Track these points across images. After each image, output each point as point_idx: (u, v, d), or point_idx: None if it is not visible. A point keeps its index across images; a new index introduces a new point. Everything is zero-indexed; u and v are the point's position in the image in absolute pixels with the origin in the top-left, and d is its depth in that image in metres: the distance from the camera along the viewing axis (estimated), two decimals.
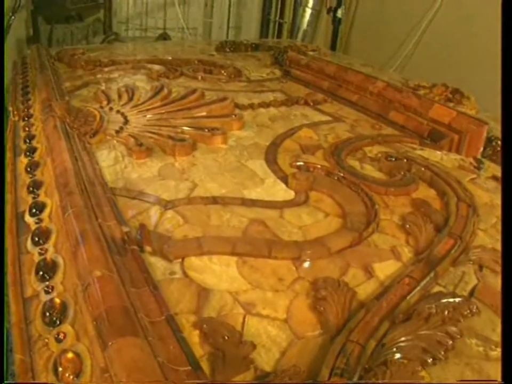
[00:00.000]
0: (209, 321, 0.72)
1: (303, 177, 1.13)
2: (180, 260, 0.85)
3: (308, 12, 4.13)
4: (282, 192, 1.11)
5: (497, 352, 0.70)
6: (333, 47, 3.82)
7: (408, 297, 0.77)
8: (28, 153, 1.26)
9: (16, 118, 1.56)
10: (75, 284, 0.76)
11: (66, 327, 0.71)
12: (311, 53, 2.48)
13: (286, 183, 1.14)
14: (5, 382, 0.78)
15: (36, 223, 0.97)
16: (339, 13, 3.73)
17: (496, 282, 0.85)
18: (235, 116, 1.53)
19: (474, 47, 2.76)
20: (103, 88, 1.83)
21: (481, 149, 1.39)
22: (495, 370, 0.67)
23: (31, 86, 1.83)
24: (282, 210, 1.04)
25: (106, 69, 2.16)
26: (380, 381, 0.62)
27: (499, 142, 1.36)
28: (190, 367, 0.61)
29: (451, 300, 0.77)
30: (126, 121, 1.42)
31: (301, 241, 0.93)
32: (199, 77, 2.09)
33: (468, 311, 0.76)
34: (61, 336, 0.70)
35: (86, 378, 0.63)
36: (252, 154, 1.30)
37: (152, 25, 5.05)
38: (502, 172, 1.19)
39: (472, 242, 0.95)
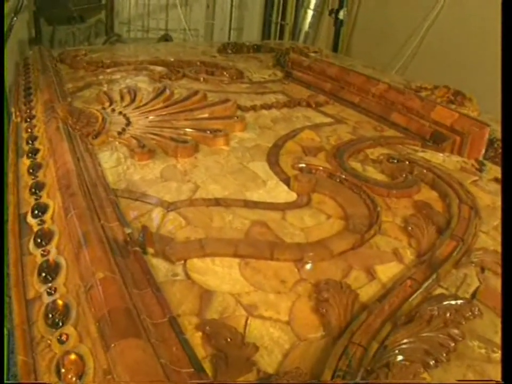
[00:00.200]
0: (212, 323, 0.72)
1: (305, 179, 1.13)
2: (182, 261, 0.86)
3: (310, 13, 4.13)
4: (284, 194, 1.11)
5: (499, 355, 0.70)
6: (335, 48, 3.82)
7: (410, 299, 0.77)
8: (30, 155, 1.26)
9: (19, 119, 1.56)
10: (78, 285, 0.76)
11: (69, 329, 0.71)
12: (313, 54, 2.48)
13: (288, 185, 1.14)
14: (6, 382, 0.78)
15: (39, 224, 0.97)
16: (341, 14, 3.73)
17: (498, 284, 0.85)
18: (237, 117, 1.53)
19: (476, 49, 2.76)
20: (105, 89, 1.84)
21: (483, 151, 1.39)
22: (497, 373, 0.67)
23: (33, 87, 1.83)
24: (285, 212, 1.04)
25: (108, 70, 2.17)
26: (380, 380, 0.62)
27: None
28: (192, 369, 0.61)
29: (453, 302, 0.77)
30: (128, 123, 1.43)
31: (303, 243, 0.93)
32: (201, 79, 2.09)
33: (470, 313, 0.76)
34: (64, 337, 0.70)
35: (88, 380, 0.63)
36: (254, 156, 1.30)
37: (154, 27, 5.05)
38: (502, 173, 1.19)
39: (474, 244, 0.95)
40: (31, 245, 0.92)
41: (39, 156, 1.25)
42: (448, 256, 0.88)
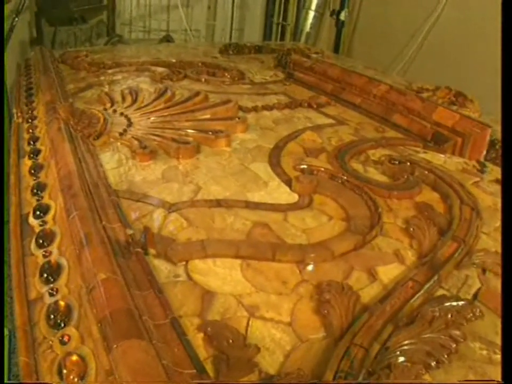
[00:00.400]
0: (214, 324, 0.72)
1: (307, 180, 1.13)
2: (184, 262, 0.86)
3: (311, 14, 4.13)
4: (286, 195, 1.11)
5: (500, 356, 0.70)
6: (336, 49, 3.83)
7: (411, 301, 0.77)
8: (31, 155, 1.27)
9: (20, 120, 1.56)
10: (79, 286, 0.76)
11: (71, 330, 0.71)
12: (314, 55, 2.48)
13: (290, 186, 1.14)
14: (6, 382, 0.79)
15: (40, 225, 0.97)
16: (342, 15, 3.74)
17: (499, 285, 0.85)
18: (239, 118, 1.53)
19: (477, 50, 2.76)
20: (106, 90, 1.84)
21: (485, 152, 1.39)
22: (498, 374, 0.67)
23: (34, 88, 1.83)
24: (286, 213, 1.04)
25: (109, 71, 2.17)
26: (382, 381, 0.62)
27: None
28: (194, 370, 0.62)
29: (454, 303, 0.77)
30: (130, 124, 1.43)
31: (304, 244, 0.93)
32: (203, 79, 2.10)
33: (471, 314, 0.76)
34: (66, 338, 0.70)
35: (90, 381, 0.63)
36: (255, 157, 1.30)
37: (155, 27, 5.05)
38: (502, 174, 1.20)
39: (476, 245, 0.95)
40: (33, 245, 0.92)
41: (40, 156, 1.25)
42: (450, 257, 0.88)
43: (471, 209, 1.05)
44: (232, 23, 4.88)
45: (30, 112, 1.59)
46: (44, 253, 0.88)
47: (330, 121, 1.64)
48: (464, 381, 0.66)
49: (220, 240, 0.92)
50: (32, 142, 1.35)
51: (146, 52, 2.66)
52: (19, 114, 1.59)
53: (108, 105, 1.60)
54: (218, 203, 1.06)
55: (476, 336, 0.73)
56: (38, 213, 1.01)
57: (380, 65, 2.81)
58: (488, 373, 0.68)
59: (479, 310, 0.77)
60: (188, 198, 1.08)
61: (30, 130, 1.44)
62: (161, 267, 0.84)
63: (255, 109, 1.70)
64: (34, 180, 1.15)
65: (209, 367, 0.64)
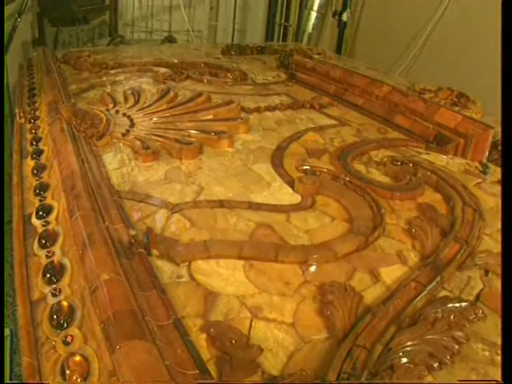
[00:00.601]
0: (216, 325, 0.72)
1: (310, 181, 1.13)
2: (187, 263, 0.86)
3: (313, 15, 4.13)
4: (288, 196, 1.11)
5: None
6: (338, 50, 3.82)
7: (414, 302, 0.77)
8: (34, 156, 1.27)
9: (23, 120, 1.56)
10: (82, 286, 0.76)
11: (74, 330, 0.71)
12: (316, 56, 2.49)
13: (292, 187, 1.14)
14: (6, 382, 0.79)
15: (43, 225, 0.97)
16: (344, 16, 3.73)
17: None
18: (241, 119, 1.53)
19: (479, 51, 2.76)
20: (109, 90, 1.84)
21: (487, 153, 1.39)
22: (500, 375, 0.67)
23: (37, 88, 1.84)
24: (289, 214, 1.04)
25: (112, 72, 2.17)
26: (384, 382, 0.62)
27: None
28: (197, 371, 0.62)
29: (457, 304, 0.77)
30: (132, 124, 1.43)
31: (307, 245, 0.93)
32: (205, 80, 2.10)
33: (474, 315, 0.76)
34: (69, 339, 0.70)
35: (93, 381, 0.63)
36: (258, 158, 1.30)
37: (157, 28, 5.05)
38: (502, 174, 1.20)
39: (478, 247, 0.95)
40: (36, 246, 0.92)
41: (43, 157, 1.26)
42: (452, 258, 0.88)
43: (473, 210, 1.05)
44: (234, 24, 4.88)
45: (32, 112, 1.59)
46: (46, 253, 0.88)
47: (333, 122, 1.64)
48: (464, 380, 0.66)
49: (223, 241, 0.92)
50: (34, 143, 1.35)
51: (149, 53, 2.66)
52: (21, 114, 1.60)
53: (111, 105, 1.60)
54: (221, 204, 1.06)
55: (478, 338, 0.73)
56: (40, 213, 1.01)
57: (382, 66, 2.81)
58: (491, 374, 0.68)
59: (481, 311, 0.77)
60: (190, 198, 1.08)
61: (33, 131, 1.44)
62: (164, 268, 0.84)
63: (257, 109, 1.70)
64: (37, 180, 1.15)
65: (212, 368, 0.64)
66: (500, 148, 1.37)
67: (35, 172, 1.18)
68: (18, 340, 0.74)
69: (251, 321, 0.74)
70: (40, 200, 1.06)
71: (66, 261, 0.85)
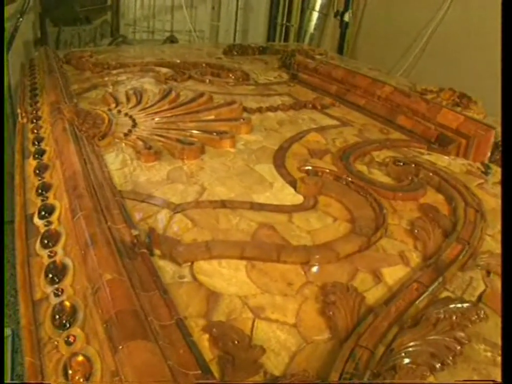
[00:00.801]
0: (219, 325, 0.72)
1: (312, 181, 1.13)
2: (189, 263, 0.86)
3: (315, 15, 4.13)
4: (290, 197, 1.11)
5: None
6: (340, 50, 3.82)
7: (416, 302, 0.77)
8: (36, 156, 1.27)
9: (25, 120, 1.56)
10: (85, 287, 0.76)
11: (76, 330, 0.71)
12: (318, 56, 2.48)
13: (295, 187, 1.14)
14: (6, 382, 0.79)
15: (45, 225, 0.97)
16: (346, 16, 3.73)
17: None
18: (243, 119, 1.53)
19: (481, 51, 2.76)
20: (111, 90, 1.84)
21: (489, 153, 1.39)
22: None
23: (39, 88, 1.84)
24: (291, 214, 1.04)
25: (114, 72, 2.17)
26: (387, 383, 0.62)
27: None
28: (199, 371, 0.62)
29: (459, 305, 0.77)
30: (134, 124, 1.43)
31: (309, 245, 0.93)
32: (207, 80, 2.10)
33: (476, 316, 0.76)
34: (71, 339, 0.70)
35: (96, 382, 0.63)
36: (260, 158, 1.30)
37: (159, 28, 5.05)
38: (502, 175, 1.20)
39: (480, 247, 0.95)
40: (38, 246, 0.92)
41: (45, 157, 1.26)
42: (454, 259, 0.88)
43: (475, 211, 1.05)
44: (236, 24, 4.88)
45: (34, 112, 1.59)
46: (49, 253, 0.89)
47: (335, 122, 1.64)
48: (463, 380, 0.66)
49: (225, 241, 0.92)
50: (37, 143, 1.35)
51: (151, 53, 2.66)
52: (23, 114, 1.60)
53: (113, 105, 1.60)
54: (223, 204, 1.06)
55: (480, 338, 0.73)
56: (43, 213, 1.01)
57: (383, 67, 2.81)
58: (493, 375, 0.68)
59: (483, 312, 0.77)
60: (192, 198, 1.08)
61: (35, 131, 1.44)
62: (166, 268, 0.84)
63: (259, 110, 1.70)
64: (39, 180, 1.15)
65: (214, 368, 0.64)
66: (501, 148, 1.37)
67: (37, 171, 1.19)
68: (21, 340, 0.74)
69: (253, 321, 0.74)
70: (43, 200, 1.06)
71: (68, 261, 0.85)
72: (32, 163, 1.24)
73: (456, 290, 0.83)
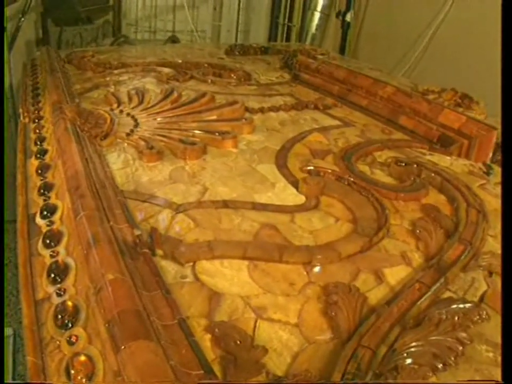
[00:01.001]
0: (221, 325, 0.72)
1: (314, 182, 1.13)
2: (191, 263, 0.86)
3: (317, 15, 4.12)
4: (293, 197, 1.11)
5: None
6: (342, 51, 3.82)
7: (418, 303, 0.77)
8: (38, 156, 1.27)
9: (27, 120, 1.57)
10: (87, 286, 0.76)
11: (79, 330, 0.71)
12: (320, 56, 2.48)
13: (297, 187, 1.14)
14: (6, 382, 0.79)
15: (47, 225, 0.98)
16: (348, 17, 3.73)
17: None
18: (245, 119, 1.53)
19: (483, 52, 2.75)
20: (113, 90, 1.84)
21: (491, 154, 1.39)
22: None
23: (41, 88, 1.84)
24: (293, 214, 1.04)
25: (116, 71, 2.17)
26: (389, 383, 0.62)
27: None
28: (202, 371, 0.62)
29: (461, 305, 0.77)
30: (137, 124, 1.43)
31: (311, 246, 0.93)
32: (209, 80, 2.10)
33: (478, 316, 0.76)
34: (73, 339, 0.70)
35: (98, 382, 0.63)
36: (262, 159, 1.30)
37: (161, 28, 5.05)
38: (502, 175, 1.20)
39: (482, 248, 0.95)
40: (40, 245, 0.92)
41: (47, 156, 1.26)
42: (456, 259, 0.88)
43: (477, 211, 1.05)
44: (238, 24, 4.87)
45: (36, 112, 1.59)
46: (51, 253, 0.89)
47: (337, 122, 1.64)
48: (465, 381, 0.66)
49: (227, 241, 0.92)
50: (39, 142, 1.35)
51: (152, 53, 2.66)
52: (25, 114, 1.60)
53: (115, 105, 1.60)
54: (225, 204, 1.06)
55: (482, 339, 0.73)
56: (45, 213, 1.01)
57: (385, 67, 2.81)
58: (495, 375, 0.68)
59: (485, 313, 0.77)
60: (194, 198, 1.08)
61: (37, 130, 1.44)
62: (169, 268, 0.84)
63: (261, 110, 1.70)
64: (42, 180, 1.15)
65: (216, 368, 0.64)
66: None
67: (39, 171, 1.19)
68: (22, 340, 0.74)
69: (255, 321, 0.74)
70: (45, 200, 1.06)
71: (70, 261, 0.85)
72: (34, 163, 1.24)
73: (458, 291, 0.83)
